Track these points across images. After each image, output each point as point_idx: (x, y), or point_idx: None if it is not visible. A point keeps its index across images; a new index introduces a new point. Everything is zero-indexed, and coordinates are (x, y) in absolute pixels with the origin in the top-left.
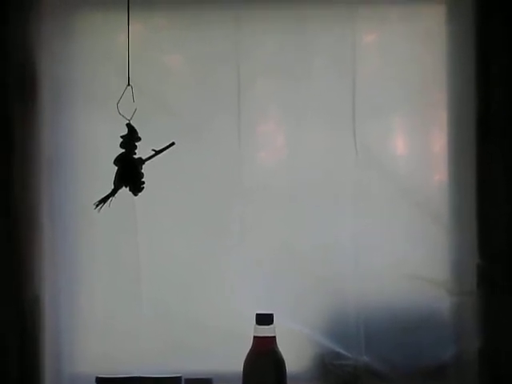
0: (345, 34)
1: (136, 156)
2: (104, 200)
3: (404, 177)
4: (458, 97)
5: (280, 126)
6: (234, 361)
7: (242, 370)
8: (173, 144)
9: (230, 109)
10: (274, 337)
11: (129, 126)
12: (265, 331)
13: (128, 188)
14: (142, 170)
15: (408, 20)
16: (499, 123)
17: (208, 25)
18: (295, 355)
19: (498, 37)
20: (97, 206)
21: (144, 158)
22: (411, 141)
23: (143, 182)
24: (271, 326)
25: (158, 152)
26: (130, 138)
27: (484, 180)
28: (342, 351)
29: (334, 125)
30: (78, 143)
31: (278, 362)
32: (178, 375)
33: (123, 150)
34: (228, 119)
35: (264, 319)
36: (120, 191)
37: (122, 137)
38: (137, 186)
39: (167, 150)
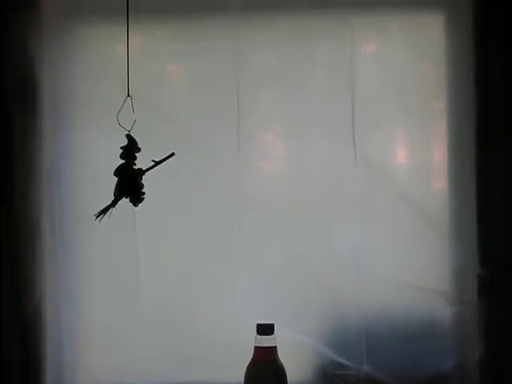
0: (344, 44)
1: (136, 167)
2: (104, 211)
3: (404, 186)
4: (458, 106)
5: (280, 136)
6: (235, 371)
7: (243, 380)
8: (173, 154)
9: (229, 119)
10: (275, 347)
11: (128, 136)
12: (266, 341)
13: (128, 199)
14: (142, 181)
15: (407, 29)
16: (499, 132)
17: (207, 35)
18: (296, 365)
19: (498, 45)
20: (97, 217)
21: (144, 168)
22: (411, 150)
23: (143, 193)
24: (272, 336)
25: (157, 163)
26: (130, 149)
27: (484, 189)
28: (343, 361)
29: (334, 134)
30: (79, 154)
31: (279, 372)
32: None
33: (123, 161)
34: (228, 129)
35: (265, 329)
36: (120, 202)
37: (121, 148)
38: (137, 197)
39: (167, 161)
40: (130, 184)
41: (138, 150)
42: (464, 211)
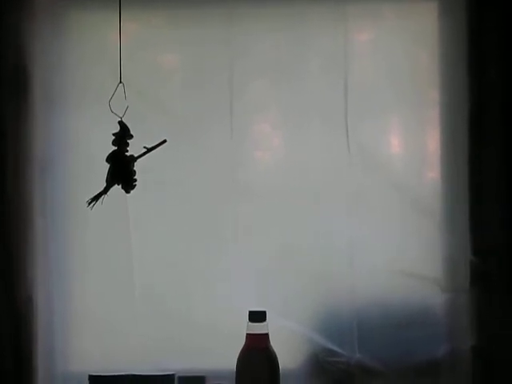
0: (337, 32)
1: (128, 153)
2: (96, 198)
3: (397, 175)
4: (451, 94)
5: (273, 126)
6: (228, 358)
7: (235, 367)
8: (164, 141)
9: (223, 108)
10: (267, 334)
11: (121, 123)
12: (258, 328)
13: (120, 185)
14: (134, 168)
15: (400, 17)
16: (492, 121)
17: (201, 23)
18: (288, 352)
19: (491, 33)
20: (89, 203)
21: (136, 155)
22: (404, 139)
23: (135, 180)
24: (264, 323)
25: (149, 149)
26: (122, 136)
27: (477, 177)
28: (335, 348)
29: (327, 123)
30: (71, 142)
31: (271, 360)
32: (171, 373)
33: (115, 148)
34: (221, 118)
35: (257, 316)
36: (113, 190)
37: (113, 134)
38: (129, 184)
39: (159, 148)
40: (121, 171)
41: (131, 136)
42: (457, 200)
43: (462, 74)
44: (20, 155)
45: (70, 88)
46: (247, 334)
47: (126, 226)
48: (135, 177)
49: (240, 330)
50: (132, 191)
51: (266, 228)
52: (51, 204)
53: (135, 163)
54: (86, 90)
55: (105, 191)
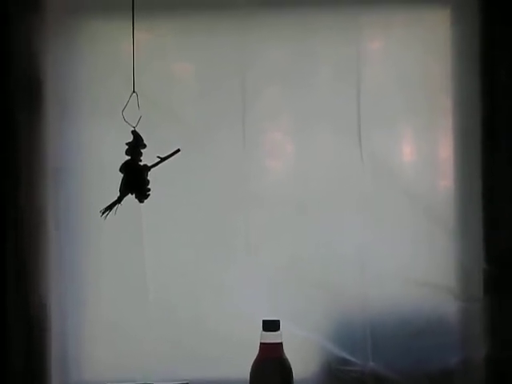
0: (349, 41)
1: (141, 163)
2: (110, 207)
3: (410, 183)
4: (464, 102)
5: (285, 134)
6: (241, 367)
7: (248, 376)
8: (178, 151)
9: (235, 116)
10: (281, 343)
11: (134, 133)
12: (271, 337)
13: (134, 195)
14: (148, 177)
15: (412, 26)
16: (505, 128)
17: (213, 32)
18: (302, 361)
19: (503, 41)
20: (103, 213)
21: (149, 164)
22: (417, 147)
23: (149, 189)
24: (278, 332)
25: (163, 159)
26: (136, 145)
27: (490, 185)
28: (348, 357)
29: (340, 132)
30: (84, 151)
31: (285, 369)
32: (185, 382)
33: (129, 158)
34: (233, 126)
35: (271, 325)
36: (126, 198)
37: (127, 144)
38: (142, 193)
39: (173, 157)
40: (135, 180)
41: (144, 146)
42: (470, 208)
43: (474, 81)
44: (33, 164)
45: (83, 97)
46: (261, 343)
47: (139, 233)
48: (149, 186)
49: (252, 338)
50: (145, 200)
51: (277, 236)
52: (64, 212)
53: (149, 173)
54: (99, 100)
55: (118, 201)
